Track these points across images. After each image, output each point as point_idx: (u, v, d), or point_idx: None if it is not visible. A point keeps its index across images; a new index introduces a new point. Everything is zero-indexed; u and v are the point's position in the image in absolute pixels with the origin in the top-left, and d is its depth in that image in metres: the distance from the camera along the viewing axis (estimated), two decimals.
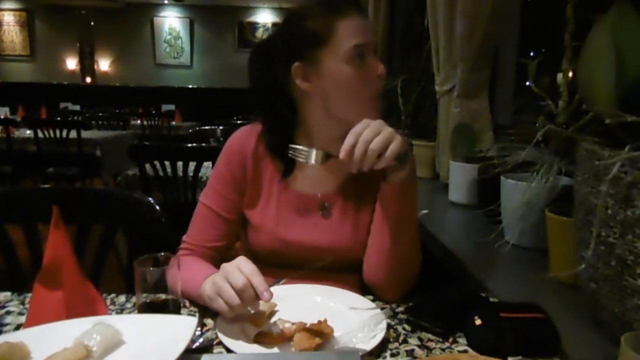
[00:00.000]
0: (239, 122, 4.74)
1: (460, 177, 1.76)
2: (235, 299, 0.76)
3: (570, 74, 1.22)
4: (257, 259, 1.07)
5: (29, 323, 0.77)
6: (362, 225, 1.04)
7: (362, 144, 0.79)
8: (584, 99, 1.06)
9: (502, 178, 1.31)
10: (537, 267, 1.12)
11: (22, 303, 0.91)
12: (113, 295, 0.96)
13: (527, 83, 1.32)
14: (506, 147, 1.33)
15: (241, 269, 0.77)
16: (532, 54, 2.19)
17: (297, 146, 0.85)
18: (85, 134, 4.50)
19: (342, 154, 0.76)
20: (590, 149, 0.78)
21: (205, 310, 0.86)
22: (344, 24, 0.92)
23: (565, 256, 1.01)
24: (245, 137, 1.07)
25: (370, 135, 0.79)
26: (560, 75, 1.26)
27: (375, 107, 0.97)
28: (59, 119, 5.51)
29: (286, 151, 0.97)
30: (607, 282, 0.76)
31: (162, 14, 9.95)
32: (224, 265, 0.80)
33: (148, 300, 0.77)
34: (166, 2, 9.62)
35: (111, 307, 0.91)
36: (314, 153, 0.83)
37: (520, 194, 1.16)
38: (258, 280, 0.76)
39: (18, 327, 0.82)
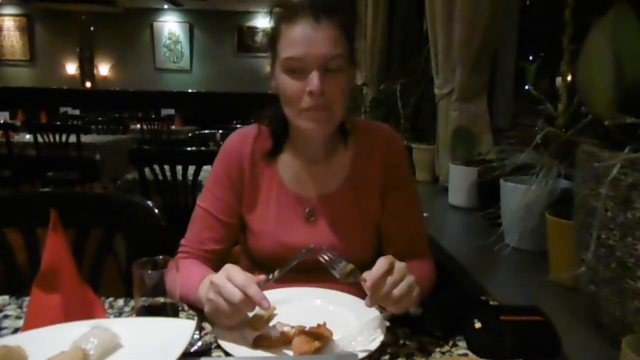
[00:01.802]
0: (238, 126, 4.73)
1: (459, 180, 1.76)
2: (235, 304, 0.75)
3: (569, 77, 1.22)
4: (257, 263, 1.07)
5: (27, 326, 0.77)
6: (364, 224, 1.05)
7: (389, 285, 0.75)
8: (583, 102, 1.06)
9: (501, 181, 1.31)
10: (537, 270, 1.11)
11: (20, 307, 0.91)
12: (111, 298, 0.95)
13: (526, 86, 1.33)
14: (505, 150, 1.33)
15: (233, 281, 0.75)
16: (530, 57, 2.20)
17: (328, 254, 0.80)
18: (84, 138, 4.50)
19: (368, 283, 0.74)
20: (589, 151, 0.78)
21: (203, 314, 0.85)
22: (288, 32, 0.92)
23: (565, 259, 1.01)
24: (241, 139, 1.07)
25: (398, 279, 0.76)
26: (559, 78, 1.26)
27: (316, 120, 0.94)
28: (58, 123, 5.52)
29: (279, 130, 1.02)
30: (607, 284, 0.76)
31: (162, 18, 9.99)
32: (213, 280, 0.77)
33: (146, 304, 0.76)
34: (165, 6, 9.66)
35: (109, 310, 0.90)
36: (341, 266, 0.79)
37: (520, 196, 1.16)
38: (253, 290, 0.74)
39: (16, 331, 0.81)
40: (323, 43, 0.90)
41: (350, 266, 0.79)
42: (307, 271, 0.97)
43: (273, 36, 0.95)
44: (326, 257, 0.80)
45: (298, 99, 0.92)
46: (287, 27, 0.92)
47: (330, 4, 0.92)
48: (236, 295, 0.74)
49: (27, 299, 0.91)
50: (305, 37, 0.90)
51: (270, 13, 0.96)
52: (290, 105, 0.95)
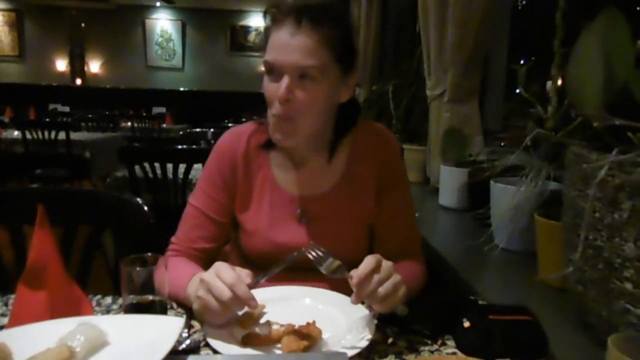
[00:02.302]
0: (229, 124, 4.72)
1: (450, 181, 1.77)
2: (224, 303, 0.74)
3: (560, 80, 1.23)
4: (250, 262, 1.06)
5: (12, 324, 0.75)
6: (357, 224, 1.05)
7: (375, 283, 0.76)
8: (573, 104, 1.07)
9: (491, 182, 1.32)
10: (525, 270, 1.12)
11: (5, 304, 0.90)
12: (99, 296, 0.94)
13: (517, 89, 1.34)
14: (496, 152, 1.35)
15: (223, 279, 0.75)
16: (522, 60, 2.21)
17: (317, 250, 0.81)
18: (74, 135, 4.45)
19: (355, 280, 0.74)
20: (578, 153, 0.79)
21: (192, 312, 0.85)
22: (272, 34, 0.92)
23: (554, 259, 1.02)
24: (235, 138, 1.06)
25: (384, 277, 0.77)
26: (549, 81, 1.27)
27: (280, 130, 0.94)
28: (47, 120, 5.46)
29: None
30: (594, 285, 0.76)
31: (154, 16, 9.92)
32: (203, 278, 0.77)
33: (134, 301, 0.75)
34: (158, 4, 9.60)
35: (97, 308, 0.89)
36: (327, 262, 0.79)
37: (510, 197, 1.17)
38: (242, 289, 0.74)
39: (0, 329, 0.80)
40: (296, 51, 0.88)
41: (337, 262, 0.79)
42: (296, 270, 0.97)
43: (266, 36, 0.95)
44: (314, 253, 0.80)
45: (272, 102, 0.93)
46: (274, 29, 0.92)
47: (318, 13, 0.89)
48: (225, 293, 0.74)
49: (12, 296, 0.89)
50: (281, 43, 0.89)
51: (265, 13, 0.96)
52: (268, 107, 0.95)
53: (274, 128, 0.95)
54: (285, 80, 0.89)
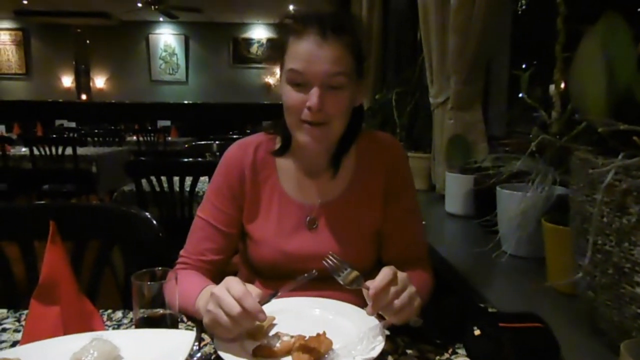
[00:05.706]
0: (234, 136, 4.75)
1: (456, 188, 1.76)
2: (233, 317, 0.74)
3: (562, 85, 1.24)
4: (258, 272, 1.07)
5: (26, 339, 0.76)
6: (365, 232, 1.05)
7: (392, 295, 0.76)
8: (576, 109, 1.07)
9: (497, 188, 1.31)
10: (534, 277, 1.12)
11: (18, 320, 0.91)
12: (110, 311, 0.95)
13: (520, 94, 1.34)
14: (501, 158, 1.35)
15: (231, 293, 0.75)
16: (524, 65, 2.22)
17: (334, 260, 0.82)
18: (80, 150, 4.50)
19: (372, 292, 0.75)
20: (584, 158, 0.79)
21: (202, 325, 0.85)
22: (294, 45, 0.93)
23: (563, 265, 1.01)
24: (242, 149, 1.08)
25: (400, 289, 0.77)
26: (552, 86, 1.27)
27: (313, 135, 0.95)
28: (54, 136, 5.51)
29: (287, 133, 1.01)
30: (604, 290, 0.76)
31: (157, 31, 10.05)
32: (214, 292, 0.77)
33: (145, 315, 0.76)
34: (161, 19, 9.72)
35: (108, 323, 0.90)
36: (345, 272, 0.81)
37: (516, 203, 1.17)
38: (249, 302, 0.74)
39: (14, 344, 0.80)
40: (326, 60, 0.91)
41: (355, 273, 0.80)
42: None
43: (281, 47, 0.96)
44: (330, 263, 0.81)
45: (298, 110, 0.94)
46: (294, 40, 0.93)
47: (338, 22, 0.93)
48: (235, 308, 0.74)
49: (25, 312, 0.90)
50: (309, 53, 0.91)
51: (280, 24, 0.97)
52: (290, 115, 0.96)
53: (305, 133, 0.96)
54: (316, 90, 0.91)
